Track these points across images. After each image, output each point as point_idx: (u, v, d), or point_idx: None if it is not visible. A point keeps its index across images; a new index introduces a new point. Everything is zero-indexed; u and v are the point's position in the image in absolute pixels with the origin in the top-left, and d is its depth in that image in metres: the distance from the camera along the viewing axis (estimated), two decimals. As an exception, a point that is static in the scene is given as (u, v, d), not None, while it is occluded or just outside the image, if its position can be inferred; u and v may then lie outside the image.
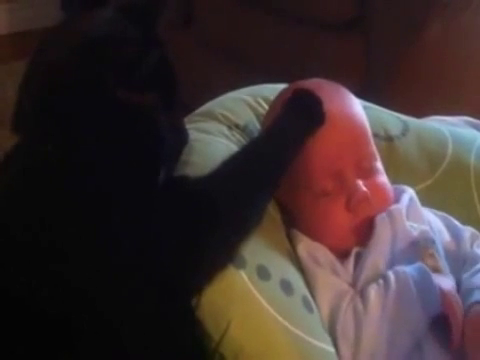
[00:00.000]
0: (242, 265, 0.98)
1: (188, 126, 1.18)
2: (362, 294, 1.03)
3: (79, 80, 0.92)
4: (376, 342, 1.00)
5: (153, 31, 0.98)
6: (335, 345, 1.01)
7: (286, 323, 0.97)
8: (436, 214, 1.18)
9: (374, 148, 1.16)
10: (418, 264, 1.05)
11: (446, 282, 1.05)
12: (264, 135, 1.11)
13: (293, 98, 1.11)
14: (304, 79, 1.20)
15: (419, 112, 1.43)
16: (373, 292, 1.03)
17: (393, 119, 1.32)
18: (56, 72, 0.94)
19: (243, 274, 0.98)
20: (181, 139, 1.04)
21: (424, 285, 1.03)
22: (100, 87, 0.92)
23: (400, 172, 1.24)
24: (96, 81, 0.92)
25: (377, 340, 1.00)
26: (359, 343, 1.00)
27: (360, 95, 1.26)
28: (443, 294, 1.02)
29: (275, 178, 1.06)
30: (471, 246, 1.14)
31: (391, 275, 1.04)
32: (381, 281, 1.04)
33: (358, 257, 1.09)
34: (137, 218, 0.93)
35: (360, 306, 1.02)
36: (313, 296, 1.05)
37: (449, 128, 1.34)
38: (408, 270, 1.04)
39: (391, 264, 1.07)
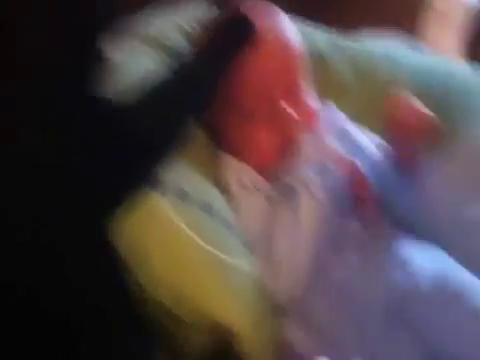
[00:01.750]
0: (162, 190, 0.97)
1: (114, 46, 1.13)
2: (274, 209, 1.05)
3: None
4: (291, 253, 1.02)
5: None
6: (256, 263, 1.02)
7: (203, 243, 0.96)
8: (362, 131, 1.19)
9: (305, 72, 1.15)
10: (325, 165, 1.07)
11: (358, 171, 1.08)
12: (193, 57, 1.08)
13: (225, 20, 1.09)
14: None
15: (348, 27, 1.42)
16: (284, 205, 1.05)
17: (324, 38, 1.32)
18: None
19: (163, 199, 0.96)
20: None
21: (333, 183, 1.06)
22: None
23: (330, 90, 1.24)
24: None
25: (292, 251, 1.02)
26: (276, 257, 1.02)
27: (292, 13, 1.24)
28: (352, 181, 1.06)
29: (202, 101, 1.04)
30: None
31: (298, 184, 1.06)
32: (291, 194, 1.05)
33: (285, 175, 1.10)
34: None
35: (274, 220, 1.04)
36: (237, 217, 1.05)
37: (380, 48, 1.33)
38: (313, 173, 1.06)
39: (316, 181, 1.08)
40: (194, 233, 0.96)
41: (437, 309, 0.97)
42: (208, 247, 0.96)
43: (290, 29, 1.15)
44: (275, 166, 1.10)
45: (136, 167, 0.94)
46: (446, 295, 0.97)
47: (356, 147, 1.14)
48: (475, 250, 1.06)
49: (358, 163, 1.09)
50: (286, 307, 1.03)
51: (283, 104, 1.10)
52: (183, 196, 0.98)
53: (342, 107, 1.22)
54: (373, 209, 1.06)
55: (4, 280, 0.85)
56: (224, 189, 1.08)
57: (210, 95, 1.05)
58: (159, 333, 0.93)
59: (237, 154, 1.11)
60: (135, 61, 1.12)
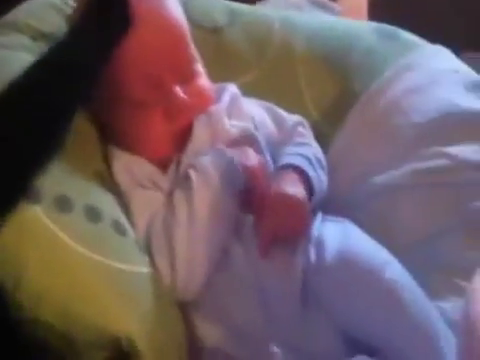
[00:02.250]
0: (37, 199, 0.90)
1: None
2: (169, 201, 1.00)
3: None
4: (189, 245, 0.97)
5: None
6: (154, 262, 0.97)
7: (90, 253, 0.90)
8: (261, 106, 1.14)
9: (193, 50, 1.08)
10: (218, 150, 1.02)
11: (252, 158, 1.02)
12: (62, 43, 0.96)
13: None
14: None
15: None
16: (177, 195, 1.00)
17: (221, 7, 1.25)
18: None
19: (38, 210, 0.89)
20: None
21: (226, 167, 1.00)
22: None
23: (227, 64, 1.19)
24: None
25: (189, 242, 0.97)
26: (173, 251, 0.96)
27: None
28: (245, 168, 1.00)
29: (78, 93, 0.94)
30: (292, 135, 1.12)
31: (191, 172, 1.00)
32: (184, 182, 1.00)
33: (179, 163, 1.04)
34: None
35: (168, 213, 0.99)
36: (130, 217, 1.00)
37: (279, 12, 1.27)
38: (206, 158, 1.01)
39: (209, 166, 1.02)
40: (77, 242, 0.89)
41: (341, 282, 0.95)
42: (95, 256, 0.90)
43: (170, 2, 1.07)
44: (171, 155, 1.04)
45: (6, 176, 0.86)
46: (349, 268, 0.95)
47: (252, 124, 1.08)
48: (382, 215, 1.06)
49: (251, 151, 1.04)
50: (194, 303, 0.98)
51: (173, 87, 1.03)
52: (63, 203, 0.91)
53: (239, 78, 1.17)
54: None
55: None
56: (113, 188, 1.01)
57: (87, 85, 0.95)
58: (47, 354, 0.87)
59: (129, 147, 1.04)
60: (7, 56, 1.04)
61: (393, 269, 0.96)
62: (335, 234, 1.00)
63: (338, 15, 1.36)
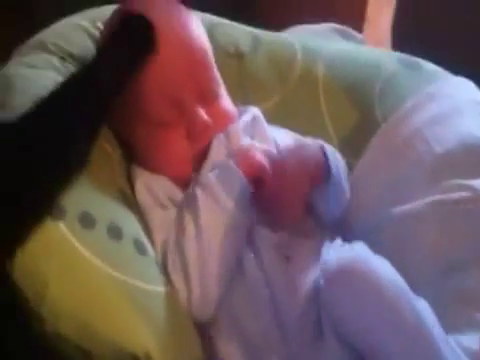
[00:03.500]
0: (61, 216, 0.91)
1: (14, 60, 1.07)
2: (178, 218, 1.00)
3: None
4: (200, 263, 0.97)
5: None
6: (171, 281, 0.97)
7: (111, 271, 0.91)
8: (283, 130, 1.15)
9: (215, 72, 1.09)
10: (222, 162, 1.02)
11: (255, 154, 1.01)
12: (87, 65, 1.00)
13: (120, 22, 1.02)
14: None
15: (289, 21, 1.37)
16: (185, 213, 0.99)
17: (244, 34, 1.25)
18: None
19: (62, 226, 0.90)
20: None
21: (231, 179, 0.99)
22: None
23: (249, 90, 1.20)
24: None
25: (200, 260, 0.97)
26: (186, 270, 0.97)
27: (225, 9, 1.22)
28: (250, 167, 0.99)
29: (101, 112, 0.97)
30: None
31: (196, 188, 1.00)
32: (191, 200, 1.00)
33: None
34: None
35: (179, 232, 0.99)
36: (149, 235, 1.00)
37: (302, 39, 1.27)
38: (211, 174, 1.01)
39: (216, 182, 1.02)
40: (99, 259, 0.90)
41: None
42: (116, 273, 0.90)
43: (194, 24, 1.08)
44: (190, 175, 1.04)
45: (33, 192, 0.87)
46: (352, 279, 0.94)
47: (274, 146, 1.08)
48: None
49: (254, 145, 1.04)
50: (211, 320, 0.99)
51: (195, 109, 1.04)
52: (86, 219, 0.92)
53: (261, 104, 1.17)
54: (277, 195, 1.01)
55: None
56: (135, 206, 1.02)
57: (110, 104, 0.98)
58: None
59: (150, 166, 1.05)
60: (36, 76, 1.05)
61: (415, 299, 0.95)
62: (343, 249, 0.99)
63: (361, 44, 1.36)
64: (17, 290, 0.86)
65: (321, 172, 1.03)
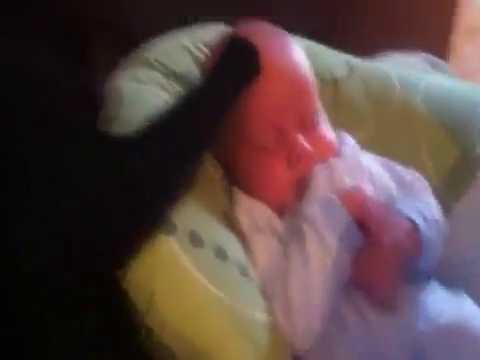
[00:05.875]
0: (172, 232, 0.92)
1: (120, 74, 1.10)
2: (284, 249, 1.00)
3: None
4: (303, 294, 0.96)
5: None
6: (270, 308, 0.97)
7: (216, 290, 0.91)
8: (377, 161, 1.14)
9: (317, 100, 1.10)
10: (331, 200, 1.01)
11: (365, 198, 1.01)
12: (198, 89, 1.03)
13: (228, 48, 1.04)
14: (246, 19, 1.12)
15: (372, 48, 1.37)
16: (291, 245, 0.99)
17: (339, 61, 1.26)
18: None
19: (173, 241, 0.91)
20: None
21: (333, 211, 0.99)
22: None
23: (344, 117, 1.19)
24: None
25: (304, 292, 0.96)
26: (288, 300, 0.96)
27: (310, 33, 1.20)
28: (358, 208, 0.99)
29: (209, 136, 1.00)
30: (410, 190, 1.10)
31: (303, 225, 1.00)
32: (298, 233, 1.00)
33: (295, 211, 1.04)
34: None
35: (283, 262, 0.99)
36: (251, 261, 1.00)
37: (397, 69, 1.27)
38: (319, 210, 1.00)
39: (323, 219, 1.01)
40: (205, 277, 0.90)
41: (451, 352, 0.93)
42: (220, 293, 0.91)
43: (297, 53, 1.09)
44: (289, 202, 1.05)
45: (146, 208, 0.89)
46: (462, 339, 0.93)
47: (369, 179, 1.08)
48: None
49: (363, 189, 1.03)
50: (305, 357, 0.98)
51: (296, 136, 1.04)
52: (195, 238, 0.93)
53: (355, 132, 1.16)
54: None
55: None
56: (236, 229, 1.02)
57: (218, 129, 1.00)
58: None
59: (250, 190, 1.06)
60: (143, 90, 1.07)
61: None
62: (450, 305, 0.98)
63: (451, 76, 1.36)
64: (126, 298, 0.88)
65: (415, 252, 1.01)
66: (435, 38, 1.72)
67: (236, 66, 1.02)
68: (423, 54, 1.38)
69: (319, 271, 0.97)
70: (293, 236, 1.00)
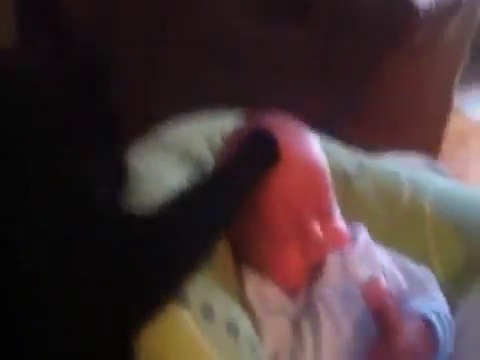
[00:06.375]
0: (186, 303, 0.92)
1: (138, 154, 1.12)
2: (296, 329, 1.01)
3: None
4: None
5: None
6: None
7: None
8: (389, 255, 1.14)
9: (333, 194, 1.12)
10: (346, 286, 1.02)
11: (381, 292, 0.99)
12: (217, 174, 1.07)
13: (248, 138, 1.08)
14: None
15: (366, 149, 1.38)
16: (304, 325, 1.01)
17: (350, 157, 1.29)
18: None
19: (186, 312, 0.92)
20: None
21: (349, 299, 1.00)
22: None
23: (356, 213, 1.21)
24: None
25: None
26: None
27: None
28: (374, 301, 0.96)
29: (225, 219, 1.03)
30: (420, 287, 1.10)
31: (319, 304, 1.01)
32: (312, 314, 1.01)
33: (308, 294, 1.05)
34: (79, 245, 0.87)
35: (295, 343, 0.99)
36: (261, 340, 1.00)
37: (408, 172, 1.30)
38: (330, 291, 1.02)
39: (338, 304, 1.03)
40: (216, 352, 0.90)
41: None
42: None
43: (315, 145, 1.13)
44: (301, 286, 1.06)
45: (162, 281, 0.91)
46: None
47: (381, 273, 1.08)
48: None
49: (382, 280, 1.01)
50: None
51: (312, 225, 1.06)
52: (208, 312, 0.93)
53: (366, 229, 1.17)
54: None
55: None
56: (247, 308, 1.03)
57: (234, 212, 1.03)
58: None
59: (261, 271, 1.07)
60: (159, 171, 1.10)
61: None
62: None
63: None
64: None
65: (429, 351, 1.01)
66: (425, 143, 1.77)
67: (256, 153, 1.05)
68: (423, 158, 1.42)
69: (331, 357, 0.97)
70: (307, 315, 1.01)
